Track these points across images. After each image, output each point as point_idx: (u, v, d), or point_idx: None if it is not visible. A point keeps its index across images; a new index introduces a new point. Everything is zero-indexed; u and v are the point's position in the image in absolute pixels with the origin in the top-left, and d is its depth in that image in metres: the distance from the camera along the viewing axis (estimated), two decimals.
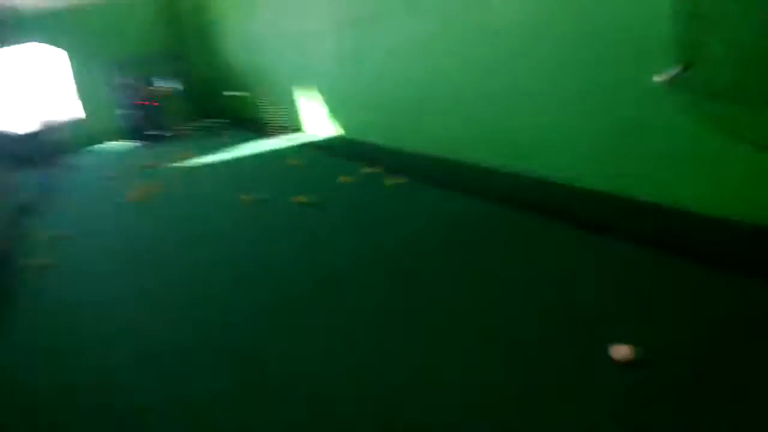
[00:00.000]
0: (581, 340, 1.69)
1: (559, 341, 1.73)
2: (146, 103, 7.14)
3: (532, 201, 2.59)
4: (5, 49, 6.90)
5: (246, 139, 5.67)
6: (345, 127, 4.54)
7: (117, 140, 7.79)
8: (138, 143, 7.06)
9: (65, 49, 7.66)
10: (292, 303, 2.00)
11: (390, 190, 2.94)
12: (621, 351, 1.59)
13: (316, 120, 4.99)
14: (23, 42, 7.15)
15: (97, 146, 7.61)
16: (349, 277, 2.11)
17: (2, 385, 1.79)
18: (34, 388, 1.74)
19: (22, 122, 6.94)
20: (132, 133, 7.20)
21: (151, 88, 7.19)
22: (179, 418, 1.49)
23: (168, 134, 7.25)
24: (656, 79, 1.75)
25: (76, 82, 7.77)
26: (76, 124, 7.76)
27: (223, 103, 7.84)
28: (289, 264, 2.33)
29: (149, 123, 7.28)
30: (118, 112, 7.62)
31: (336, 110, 4.61)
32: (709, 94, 1.77)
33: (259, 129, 5.95)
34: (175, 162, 5.13)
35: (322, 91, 4.73)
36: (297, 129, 5.35)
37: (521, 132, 2.58)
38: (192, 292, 2.24)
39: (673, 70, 1.66)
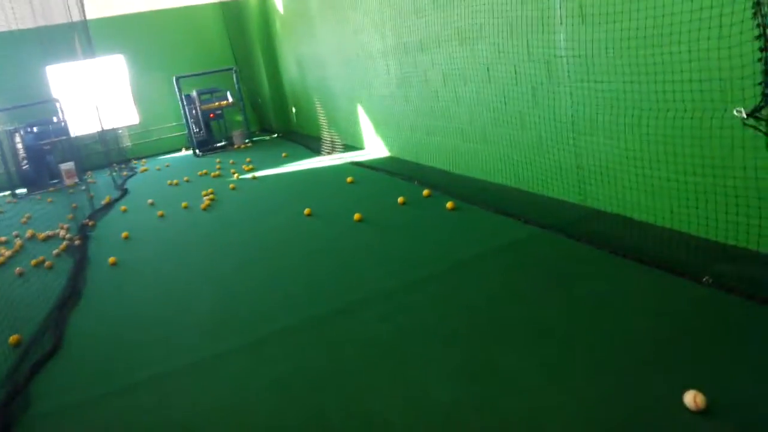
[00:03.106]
0: None
1: None
2: (209, 115, 7.51)
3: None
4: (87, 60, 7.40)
5: (303, 155, 5.92)
6: (397, 147, 4.72)
7: (179, 150, 8.22)
8: (199, 153, 7.42)
9: (129, 61, 8.17)
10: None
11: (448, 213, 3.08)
12: None
13: (372, 139, 5.20)
14: (97, 55, 7.64)
15: (161, 156, 8.06)
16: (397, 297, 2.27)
17: None
18: None
19: (92, 126, 7.44)
20: (193, 143, 7.56)
21: (212, 100, 7.54)
22: None
23: (228, 145, 7.61)
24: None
25: (138, 92, 8.26)
26: (136, 130, 8.24)
27: (282, 118, 8.18)
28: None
29: (210, 134, 7.65)
30: (181, 122, 8.05)
31: (389, 130, 4.81)
32: None
33: (316, 145, 6.21)
34: (237, 173, 5.43)
35: (378, 112, 4.94)
36: (353, 147, 5.58)
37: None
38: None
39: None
